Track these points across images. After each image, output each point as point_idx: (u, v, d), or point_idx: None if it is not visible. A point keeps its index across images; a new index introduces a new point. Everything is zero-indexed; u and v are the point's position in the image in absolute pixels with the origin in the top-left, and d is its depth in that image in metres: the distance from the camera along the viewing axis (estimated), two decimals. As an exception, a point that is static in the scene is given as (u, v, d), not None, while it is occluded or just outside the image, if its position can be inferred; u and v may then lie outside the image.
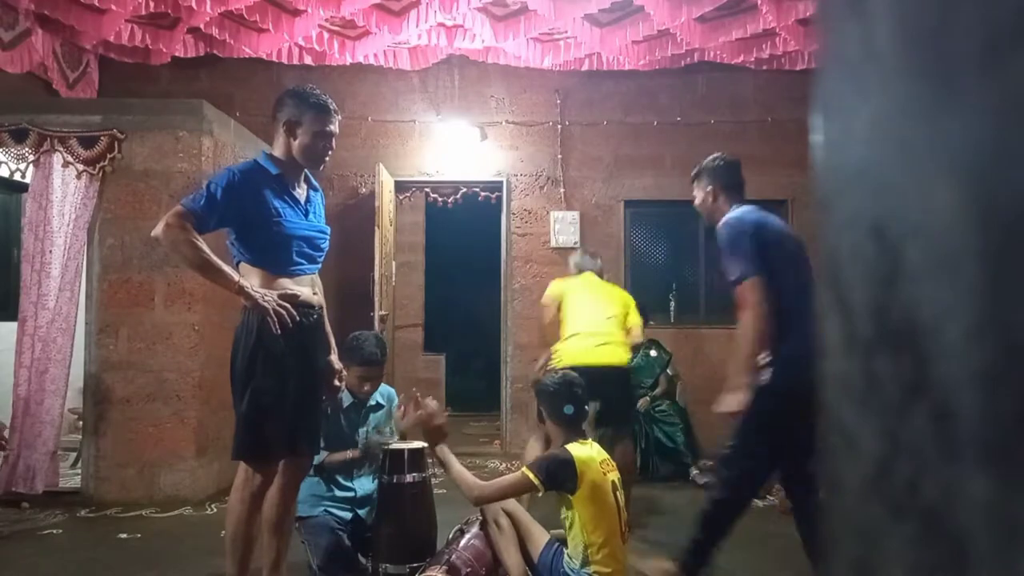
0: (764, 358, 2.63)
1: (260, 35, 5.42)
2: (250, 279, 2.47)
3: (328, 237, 2.73)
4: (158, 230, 2.40)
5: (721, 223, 2.83)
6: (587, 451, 2.65)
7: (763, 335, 2.60)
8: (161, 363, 4.48)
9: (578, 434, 2.74)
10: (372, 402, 3.28)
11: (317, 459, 3.09)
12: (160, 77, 6.08)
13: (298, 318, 2.49)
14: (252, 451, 2.51)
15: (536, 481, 2.54)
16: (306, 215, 2.62)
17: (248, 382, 2.48)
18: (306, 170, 2.66)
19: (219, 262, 2.43)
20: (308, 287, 2.64)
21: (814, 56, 4.35)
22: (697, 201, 3.06)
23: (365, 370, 3.19)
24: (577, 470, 2.55)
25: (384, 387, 3.37)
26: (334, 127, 2.59)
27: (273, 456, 2.55)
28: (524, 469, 2.60)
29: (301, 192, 2.64)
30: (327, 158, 2.63)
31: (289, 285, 2.54)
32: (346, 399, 3.20)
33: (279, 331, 2.42)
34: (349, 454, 3.13)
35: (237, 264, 2.55)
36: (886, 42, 0.37)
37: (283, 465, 2.61)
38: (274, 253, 2.54)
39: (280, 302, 2.44)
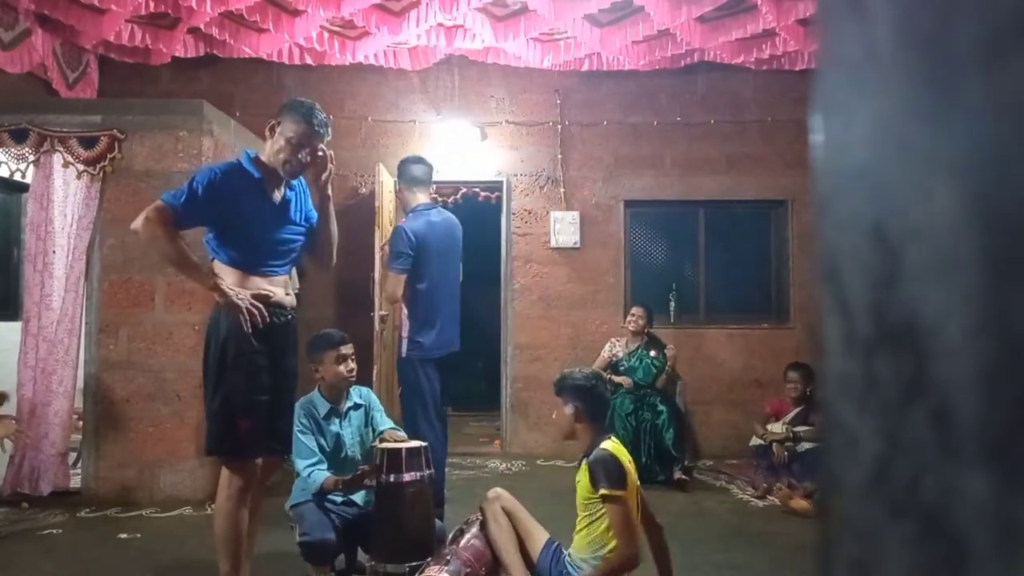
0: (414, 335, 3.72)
1: (260, 35, 5.42)
2: (224, 277, 2.53)
3: (305, 233, 2.78)
4: (137, 223, 2.46)
5: (397, 226, 3.78)
6: (618, 446, 2.64)
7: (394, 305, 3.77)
8: (161, 363, 4.48)
9: (606, 430, 2.75)
10: (350, 403, 3.25)
11: (310, 479, 3.05)
12: (160, 77, 6.07)
13: (269, 318, 2.54)
14: (222, 448, 2.57)
15: (621, 493, 2.49)
16: (283, 217, 2.69)
17: (218, 379, 2.54)
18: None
19: (195, 259, 2.50)
20: (281, 288, 2.70)
21: (814, 56, 4.35)
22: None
23: (343, 348, 3.16)
24: (624, 465, 2.56)
25: (357, 387, 3.34)
26: (324, 145, 2.70)
27: (246, 453, 2.59)
28: (605, 491, 2.49)
29: (279, 195, 2.70)
30: (303, 172, 2.72)
31: (263, 285, 2.61)
32: (321, 407, 3.17)
33: (250, 329, 2.47)
34: (338, 484, 3.07)
35: (212, 262, 2.61)
36: (886, 42, 0.37)
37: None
38: (248, 254, 2.61)
39: (253, 301, 2.50)
